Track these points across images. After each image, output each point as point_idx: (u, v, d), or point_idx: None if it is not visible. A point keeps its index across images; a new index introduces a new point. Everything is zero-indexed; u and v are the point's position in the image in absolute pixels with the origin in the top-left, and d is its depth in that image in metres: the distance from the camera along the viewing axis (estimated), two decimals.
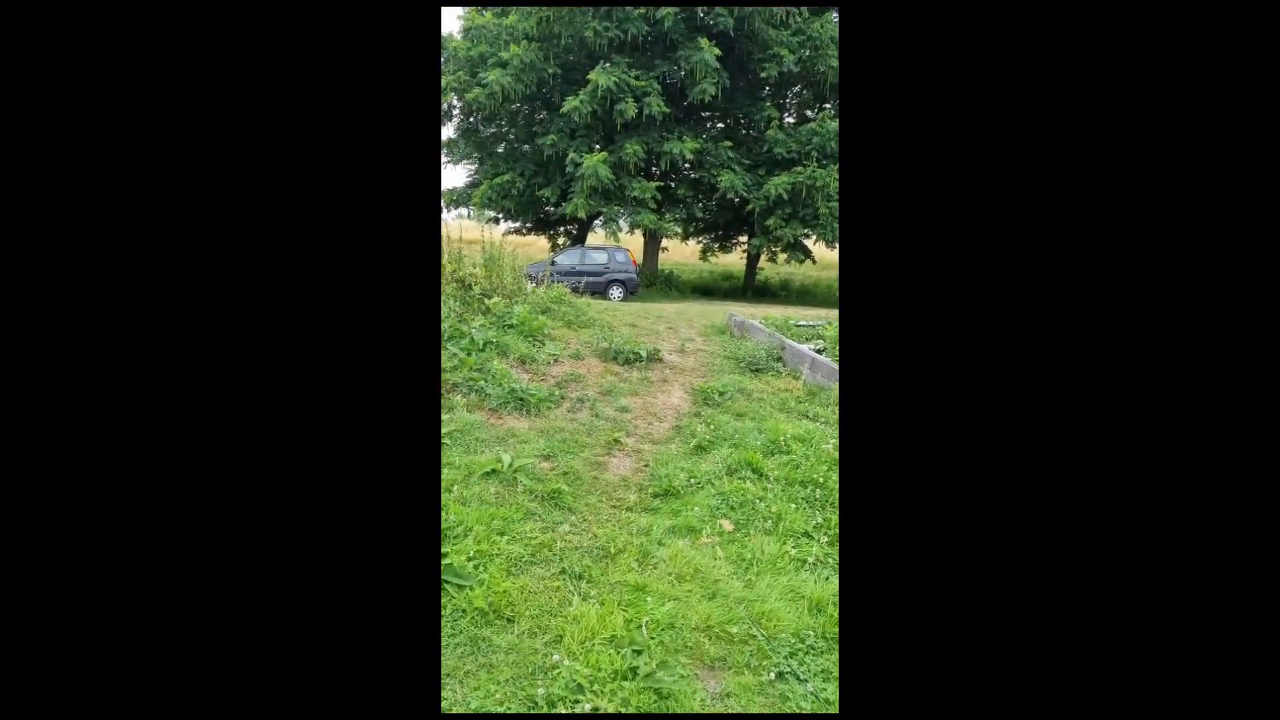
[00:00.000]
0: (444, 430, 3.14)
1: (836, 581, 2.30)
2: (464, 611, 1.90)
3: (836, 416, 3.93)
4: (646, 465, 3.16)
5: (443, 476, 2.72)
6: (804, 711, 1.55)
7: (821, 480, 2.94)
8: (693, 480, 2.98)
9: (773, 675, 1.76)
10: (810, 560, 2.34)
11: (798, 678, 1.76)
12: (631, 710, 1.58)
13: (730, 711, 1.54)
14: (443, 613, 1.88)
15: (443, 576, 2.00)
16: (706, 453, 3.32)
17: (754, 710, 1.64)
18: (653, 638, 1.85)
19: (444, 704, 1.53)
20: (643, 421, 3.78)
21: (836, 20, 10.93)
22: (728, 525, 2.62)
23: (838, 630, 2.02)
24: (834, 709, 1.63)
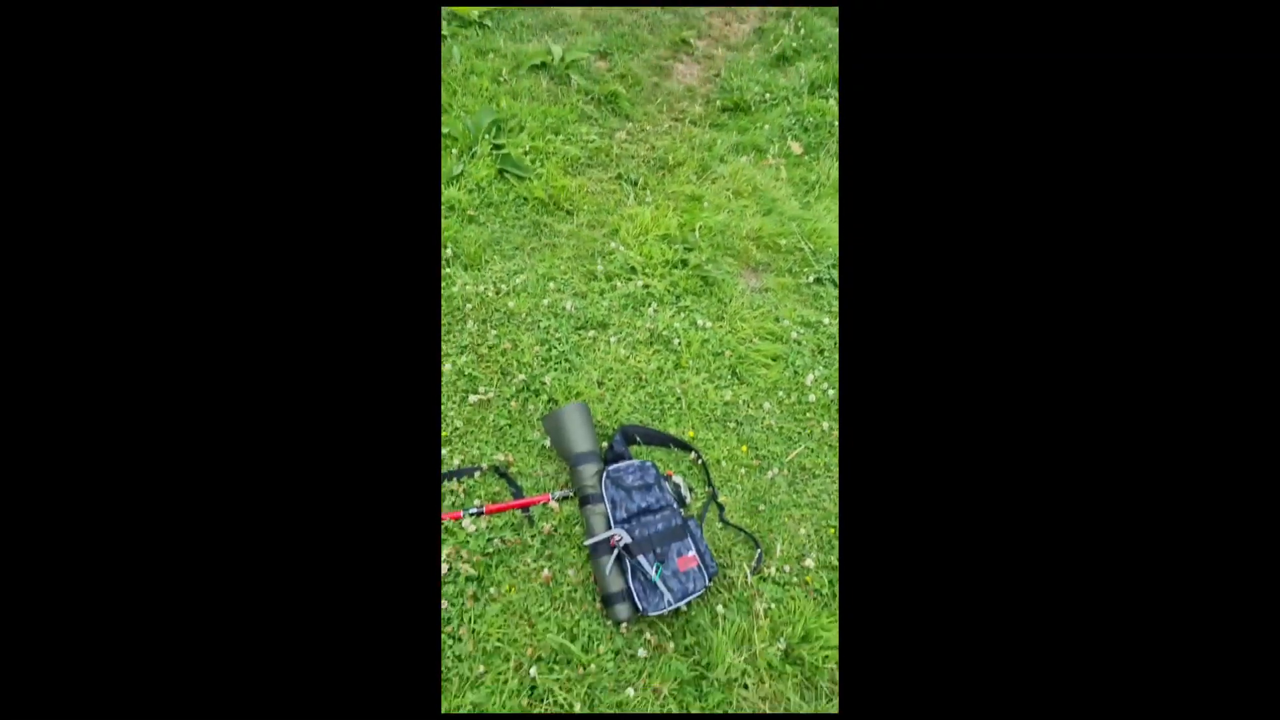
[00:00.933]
0: (480, 10, 2.68)
1: None
2: (525, 200, 1.98)
3: None
4: (716, 75, 2.75)
5: (488, 64, 2.46)
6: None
7: None
8: (767, 95, 2.62)
9: (811, 279, 1.90)
10: None
11: (834, 283, 1.89)
12: (680, 292, 1.79)
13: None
14: (505, 200, 1.97)
15: (502, 167, 2.02)
16: (789, 64, 2.82)
17: (787, 297, 1.83)
18: (704, 240, 1.95)
19: (520, 278, 1.75)
20: (719, 19, 3.11)
21: None
22: (797, 148, 2.42)
23: None
24: None
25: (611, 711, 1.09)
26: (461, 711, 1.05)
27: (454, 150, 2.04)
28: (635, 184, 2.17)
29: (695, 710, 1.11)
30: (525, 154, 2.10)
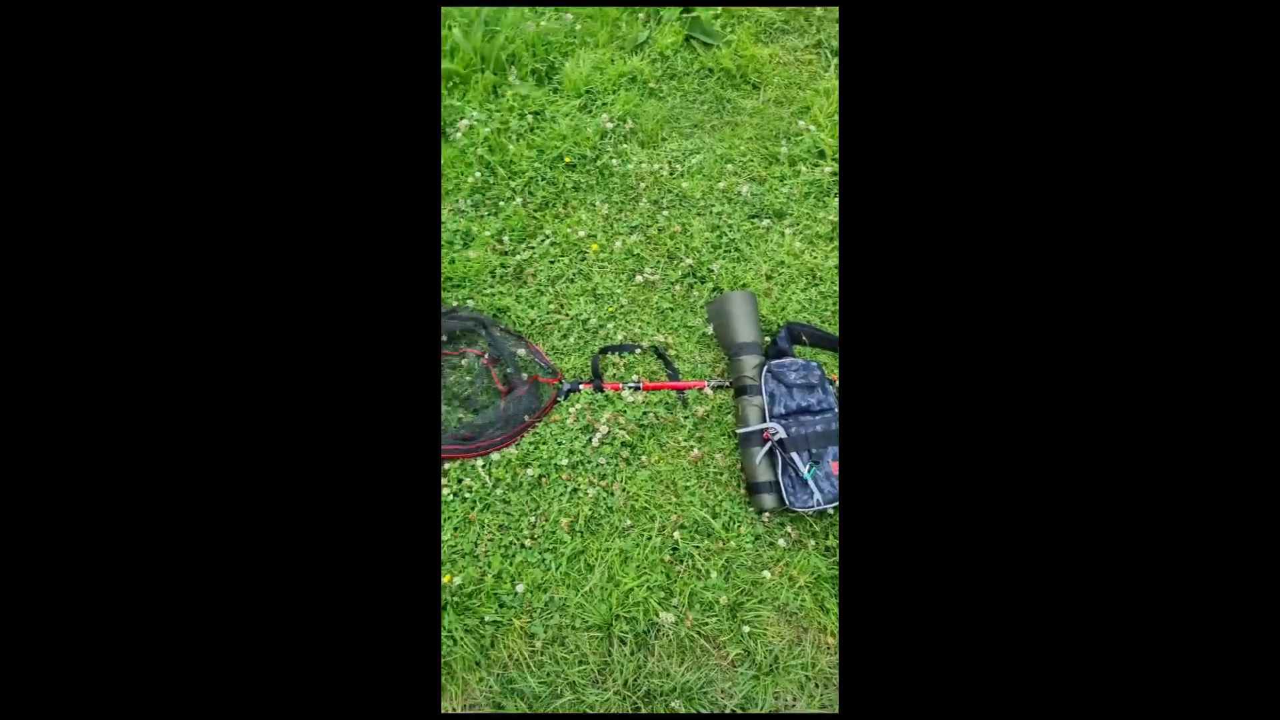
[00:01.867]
0: None
1: None
2: (710, 71, 1.82)
3: None
4: None
5: None
6: None
7: None
8: None
9: None
10: None
11: None
12: None
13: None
14: (689, 71, 1.83)
15: (689, 33, 1.86)
16: None
17: None
18: None
19: (696, 159, 1.65)
20: None
21: None
22: None
23: None
24: None
25: (747, 588, 1.14)
26: (611, 554, 1.18)
27: (640, 15, 1.92)
28: (836, 52, 1.86)
29: (829, 605, 1.11)
30: (715, 17, 1.90)
